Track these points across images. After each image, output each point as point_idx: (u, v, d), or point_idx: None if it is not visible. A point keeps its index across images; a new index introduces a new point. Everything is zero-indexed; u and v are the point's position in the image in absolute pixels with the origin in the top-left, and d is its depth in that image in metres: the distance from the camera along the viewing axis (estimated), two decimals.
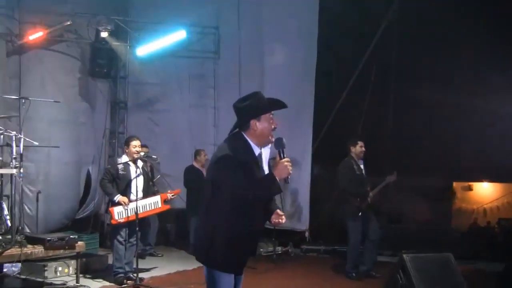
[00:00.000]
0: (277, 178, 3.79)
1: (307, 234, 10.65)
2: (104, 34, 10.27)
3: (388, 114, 11.64)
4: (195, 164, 10.09)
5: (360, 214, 8.14)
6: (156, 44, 10.78)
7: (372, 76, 11.22)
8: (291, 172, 3.82)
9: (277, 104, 4.10)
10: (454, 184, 12.99)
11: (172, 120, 11.66)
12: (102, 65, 10.71)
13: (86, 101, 10.75)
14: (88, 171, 10.75)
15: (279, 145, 3.94)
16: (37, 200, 8.33)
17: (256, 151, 3.99)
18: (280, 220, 4.11)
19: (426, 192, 12.50)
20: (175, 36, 10.65)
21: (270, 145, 4.05)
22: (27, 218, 9.05)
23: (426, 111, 11.54)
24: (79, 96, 10.55)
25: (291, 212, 10.72)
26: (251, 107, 3.96)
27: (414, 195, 12.56)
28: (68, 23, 9.56)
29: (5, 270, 7.46)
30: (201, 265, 4.00)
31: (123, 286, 7.37)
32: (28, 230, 8.93)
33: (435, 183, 12.50)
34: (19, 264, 7.54)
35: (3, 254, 6.28)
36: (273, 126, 3.98)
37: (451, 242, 10.22)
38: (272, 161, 4.23)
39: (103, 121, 11.16)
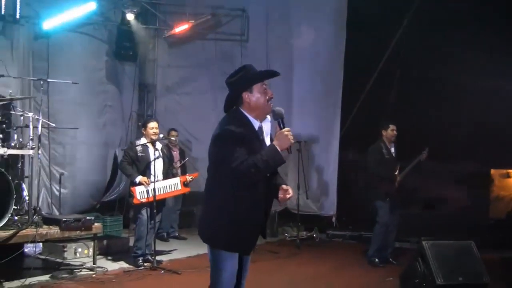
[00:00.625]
0: (278, 148, 3.67)
1: (334, 219, 10.46)
2: (130, 17, 10.29)
3: (422, 98, 11.28)
4: None
5: (388, 199, 7.95)
6: (183, 26, 10.75)
7: (400, 60, 10.91)
8: (292, 141, 3.69)
9: (268, 74, 4.00)
10: (492, 171, 12.55)
11: (200, 103, 11.57)
12: (128, 47, 10.76)
13: (113, 84, 10.82)
14: (115, 154, 10.80)
15: (277, 115, 3.81)
16: (60, 182, 8.40)
17: (256, 125, 3.86)
18: (287, 195, 3.95)
19: (464, 179, 12.16)
20: (202, 19, 10.62)
21: (270, 117, 3.91)
22: (54, 199, 9.21)
23: (463, 96, 11.15)
24: (106, 79, 10.60)
25: (317, 197, 10.56)
26: (241, 80, 3.85)
27: (451, 181, 12.23)
28: (93, 6, 9.53)
29: (26, 250, 7.59)
30: None
31: (141, 268, 7.36)
32: (56, 211, 9.09)
33: (473, 170, 12.14)
34: (40, 245, 7.68)
35: (19, 234, 6.30)
36: (267, 97, 3.84)
37: (488, 230, 9.93)
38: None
39: (130, 104, 11.19)
